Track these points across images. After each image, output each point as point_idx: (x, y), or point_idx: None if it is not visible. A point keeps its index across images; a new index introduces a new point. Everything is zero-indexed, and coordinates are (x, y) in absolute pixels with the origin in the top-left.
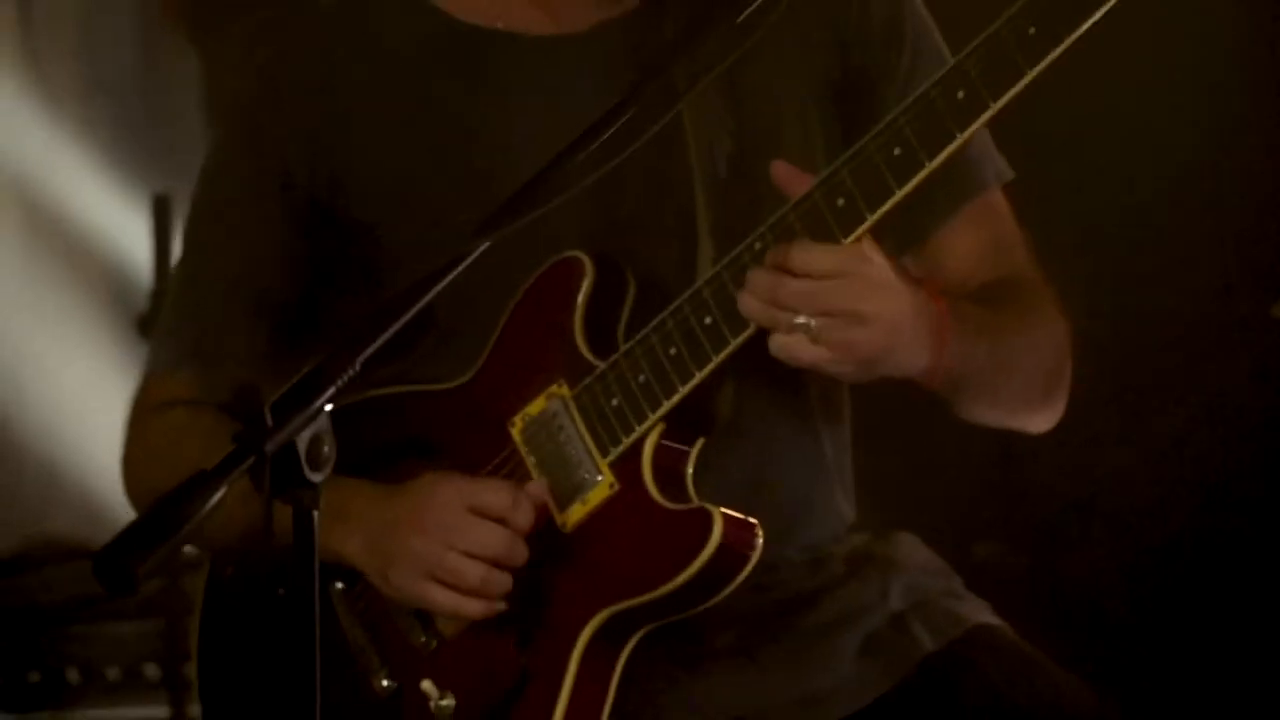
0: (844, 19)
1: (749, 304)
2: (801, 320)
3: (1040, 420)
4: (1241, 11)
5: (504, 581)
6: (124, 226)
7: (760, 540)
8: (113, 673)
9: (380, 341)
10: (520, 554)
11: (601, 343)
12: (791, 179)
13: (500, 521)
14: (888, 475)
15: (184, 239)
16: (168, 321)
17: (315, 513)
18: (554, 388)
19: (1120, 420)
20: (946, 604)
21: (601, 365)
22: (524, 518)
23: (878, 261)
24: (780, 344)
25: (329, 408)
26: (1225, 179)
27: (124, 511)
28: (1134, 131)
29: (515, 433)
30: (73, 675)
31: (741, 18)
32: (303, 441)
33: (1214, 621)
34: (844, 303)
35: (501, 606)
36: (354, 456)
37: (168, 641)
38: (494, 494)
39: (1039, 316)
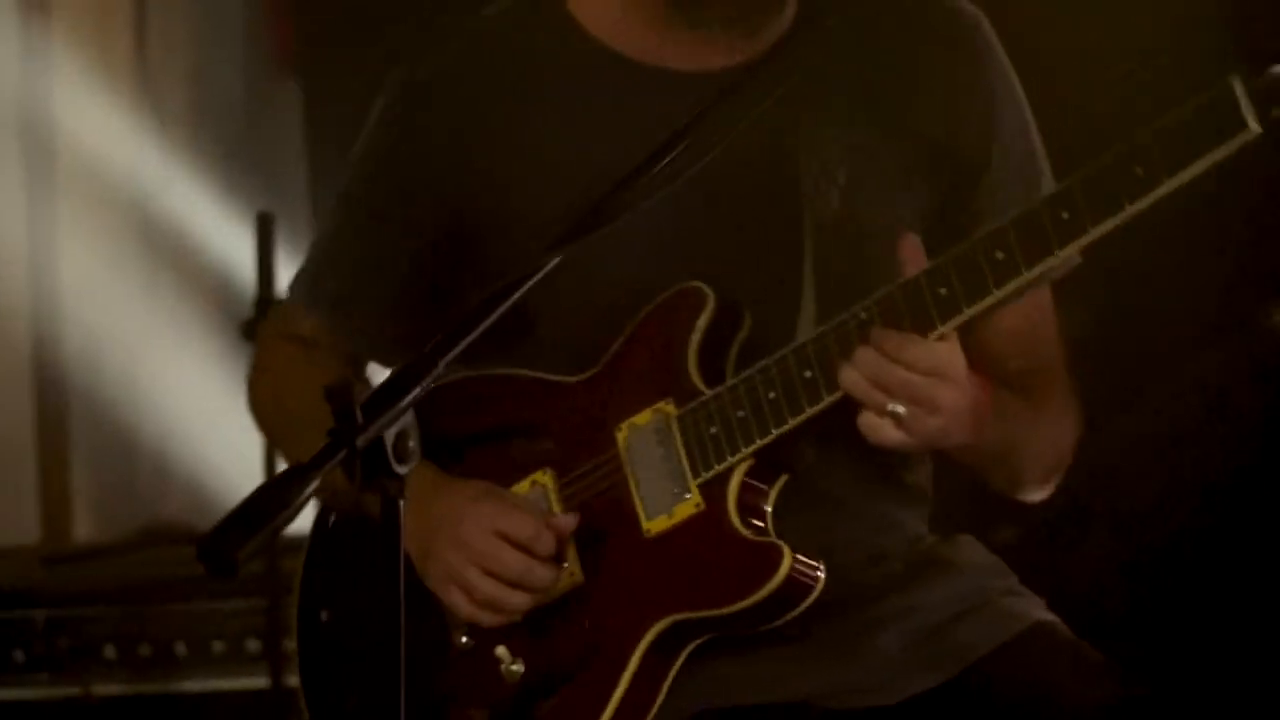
0: (958, 100)
1: (852, 379)
2: (892, 407)
3: (1032, 495)
4: None
5: (516, 600)
6: (230, 240)
7: (822, 580)
8: (218, 647)
9: (462, 346)
10: (539, 579)
11: (710, 372)
12: (915, 256)
13: (523, 548)
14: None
15: (342, 196)
16: (314, 263)
17: (401, 501)
18: (662, 404)
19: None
20: (1005, 603)
21: (707, 394)
22: (544, 548)
23: (960, 361)
24: (870, 424)
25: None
26: (1225, 181)
27: (228, 499)
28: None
29: (620, 438)
30: (180, 649)
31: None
32: (390, 437)
33: (1210, 616)
34: (932, 397)
35: (516, 618)
36: (465, 424)
37: (269, 619)
38: (520, 523)
39: (1058, 413)
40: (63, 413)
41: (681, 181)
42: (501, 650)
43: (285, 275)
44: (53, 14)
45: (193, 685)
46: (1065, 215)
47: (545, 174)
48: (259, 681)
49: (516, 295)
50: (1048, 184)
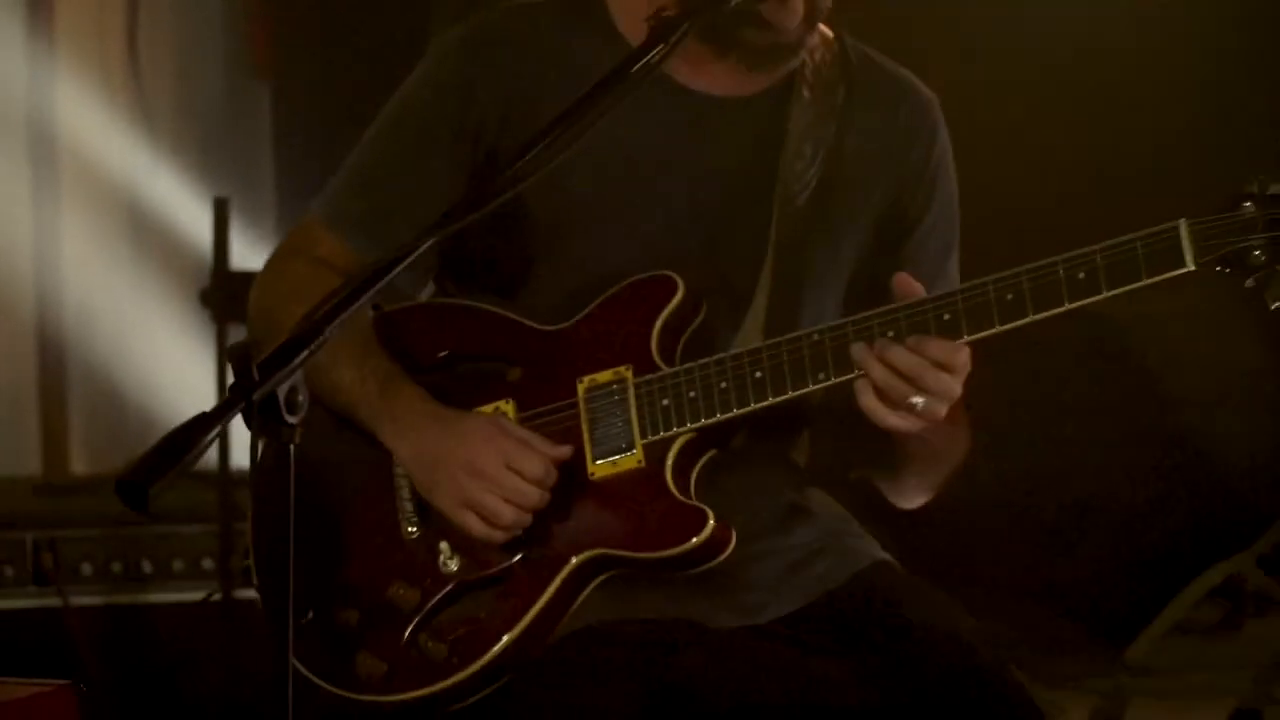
0: (908, 164)
1: (875, 368)
2: (914, 399)
3: (913, 504)
4: None
5: (527, 521)
6: (201, 222)
7: (732, 545)
8: (178, 565)
9: (346, 315)
10: (544, 504)
11: (664, 350)
12: (907, 288)
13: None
14: None
15: (379, 127)
16: (344, 185)
17: (292, 445)
18: (622, 369)
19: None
20: (851, 543)
21: (666, 370)
22: (551, 480)
23: (967, 365)
24: (878, 411)
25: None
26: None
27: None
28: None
29: (581, 389)
30: (146, 566)
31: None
32: (282, 392)
33: None
34: (951, 391)
35: (518, 533)
36: (443, 348)
37: (221, 541)
38: (531, 460)
39: (961, 437)
40: (62, 367)
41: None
42: (444, 545)
43: (240, 254)
44: (55, 25)
45: (156, 597)
46: (1009, 297)
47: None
48: (211, 593)
49: (391, 274)
50: (955, 258)
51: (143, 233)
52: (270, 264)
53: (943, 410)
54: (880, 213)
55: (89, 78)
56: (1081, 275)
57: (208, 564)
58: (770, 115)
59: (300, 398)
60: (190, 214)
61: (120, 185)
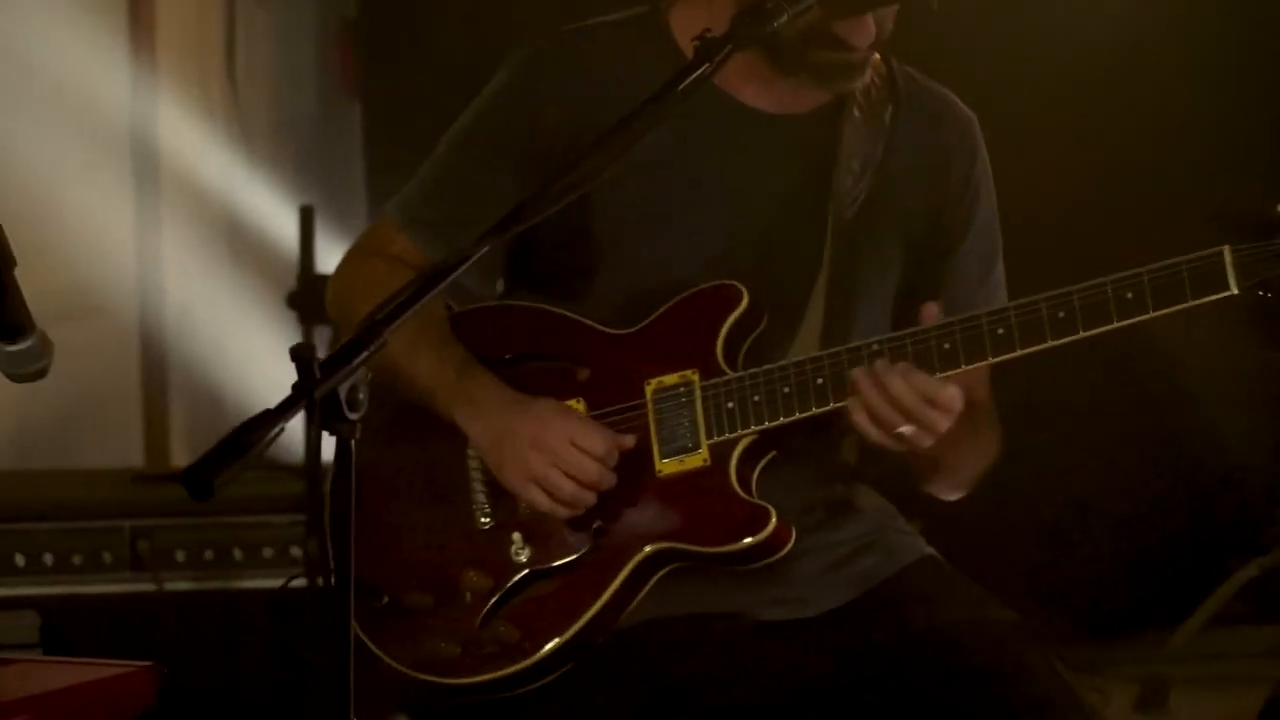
0: (950, 181)
1: (875, 400)
2: (901, 430)
3: (950, 497)
4: None
5: (589, 499)
6: (288, 231)
7: (791, 542)
8: (267, 552)
9: (402, 320)
10: (607, 482)
11: (728, 356)
12: (929, 316)
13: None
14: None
15: (455, 138)
16: (419, 188)
17: (353, 440)
18: (689, 373)
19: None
20: (896, 539)
21: (731, 375)
22: (613, 460)
23: (961, 402)
24: (871, 433)
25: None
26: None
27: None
28: None
29: (649, 391)
30: (237, 554)
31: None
32: (343, 390)
33: None
34: (935, 426)
35: (579, 510)
36: (517, 347)
37: (308, 530)
38: (595, 438)
39: (986, 436)
40: (163, 366)
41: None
42: (516, 536)
43: (327, 259)
44: (157, 50)
45: (245, 583)
46: (1061, 315)
47: (630, 166)
48: (298, 581)
49: (449, 279)
50: (999, 269)
51: (237, 241)
52: (347, 260)
53: (927, 442)
54: (923, 227)
55: (189, 97)
56: (1129, 295)
57: (295, 551)
58: (823, 133)
59: (360, 395)
60: (281, 223)
61: (217, 197)
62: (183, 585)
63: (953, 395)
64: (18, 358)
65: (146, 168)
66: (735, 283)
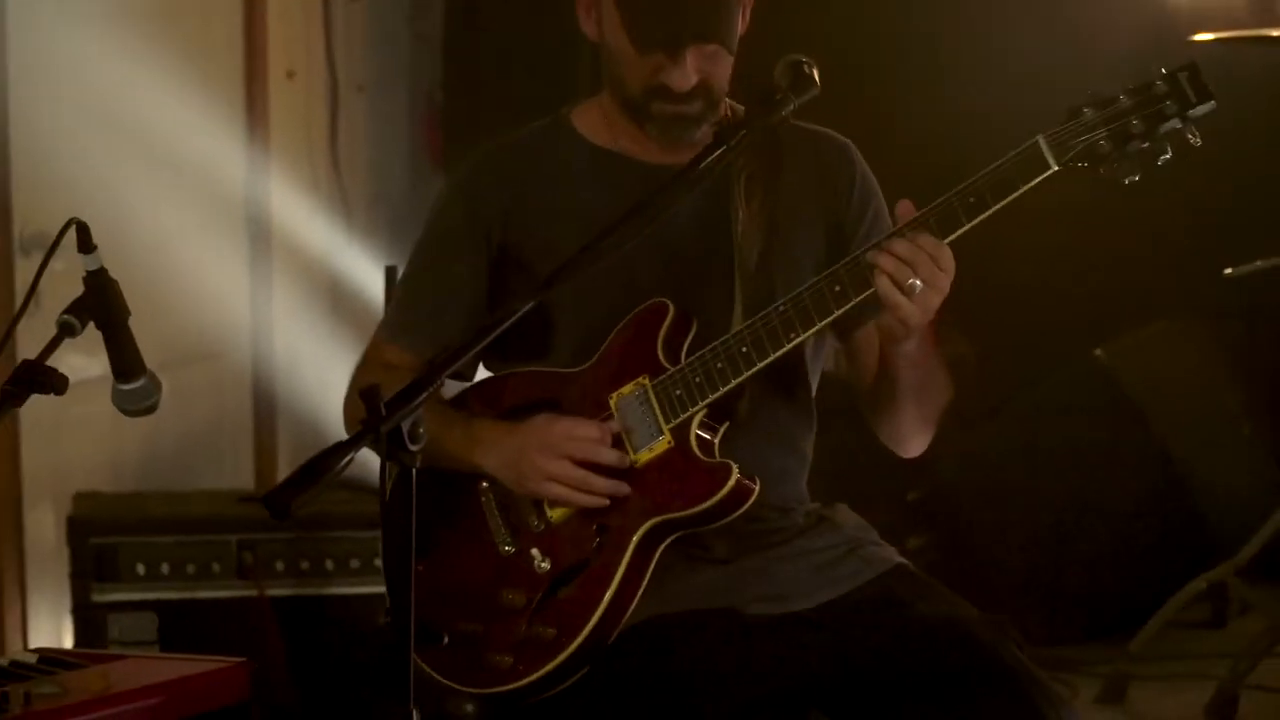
0: (839, 195)
1: (888, 261)
2: (912, 281)
3: (913, 446)
4: None
5: (597, 481)
6: (382, 287)
7: (756, 490)
8: (354, 563)
9: (457, 365)
10: (607, 457)
11: (671, 355)
12: (905, 211)
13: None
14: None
15: (413, 256)
16: (395, 308)
17: (414, 469)
18: (641, 379)
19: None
20: (873, 550)
21: (672, 369)
22: (607, 440)
23: (954, 264)
24: (891, 298)
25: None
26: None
27: (370, 459)
28: None
29: (613, 403)
30: (329, 564)
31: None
32: (405, 425)
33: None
34: (939, 280)
35: (598, 501)
36: (506, 405)
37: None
38: (586, 424)
39: (943, 374)
40: (272, 403)
41: (628, 247)
42: (535, 552)
43: None
44: (270, 130)
45: (336, 590)
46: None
47: (556, 229)
48: (382, 588)
49: (499, 330)
50: None
51: (336, 296)
52: (354, 376)
53: (932, 300)
54: (826, 230)
55: (296, 171)
56: (973, 200)
57: (379, 563)
58: (715, 178)
59: (420, 430)
60: (374, 280)
61: (319, 258)
62: (282, 591)
63: (949, 254)
64: (130, 395)
65: (259, 232)
66: (661, 299)
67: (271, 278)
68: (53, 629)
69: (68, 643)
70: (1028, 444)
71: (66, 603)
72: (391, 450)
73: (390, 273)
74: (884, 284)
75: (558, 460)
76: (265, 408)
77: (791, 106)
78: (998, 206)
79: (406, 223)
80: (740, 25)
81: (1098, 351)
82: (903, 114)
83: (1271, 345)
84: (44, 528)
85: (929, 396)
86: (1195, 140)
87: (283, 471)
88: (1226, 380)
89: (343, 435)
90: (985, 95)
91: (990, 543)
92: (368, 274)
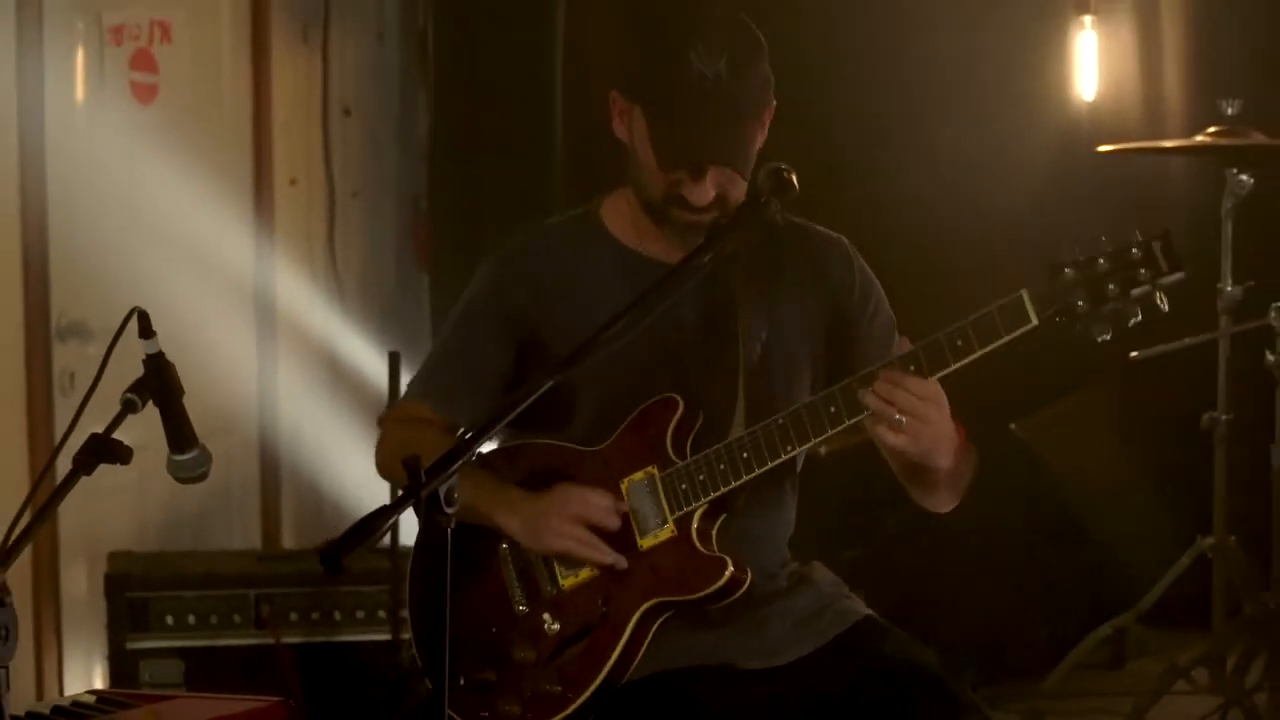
0: (841, 288)
1: (873, 401)
2: (898, 416)
3: (948, 507)
4: None
5: (603, 545)
6: (377, 368)
7: (748, 583)
8: (359, 614)
9: (487, 435)
10: (613, 525)
11: (678, 449)
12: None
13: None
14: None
15: (449, 325)
16: (428, 367)
17: (449, 529)
18: (650, 468)
19: None
20: (844, 604)
21: (679, 464)
22: (616, 518)
23: (943, 396)
24: (881, 432)
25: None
26: None
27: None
28: None
29: (624, 487)
30: (337, 615)
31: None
32: (442, 491)
33: None
34: (924, 412)
35: (607, 562)
36: (528, 470)
37: (391, 597)
38: (601, 495)
39: (966, 456)
40: (276, 470)
41: (635, 334)
42: (546, 615)
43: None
44: (275, 231)
45: (344, 637)
46: (916, 364)
47: (580, 319)
48: (384, 636)
49: (523, 406)
50: (894, 329)
51: (335, 376)
52: (385, 429)
53: (922, 430)
54: (827, 324)
55: (299, 263)
56: (960, 343)
57: (381, 614)
58: (723, 278)
59: (455, 495)
60: (371, 362)
61: (320, 342)
62: (295, 638)
63: (934, 386)
64: (185, 465)
65: (266, 319)
66: (673, 395)
67: (277, 360)
68: (84, 673)
69: (98, 685)
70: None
71: (98, 650)
72: (430, 512)
73: (394, 357)
74: (875, 427)
75: (572, 523)
76: (270, 476)
77: (775, 209)
78: (983, 352)
79: (396, 312)
80: (759, 142)
81: (1013, 426)
82: (853, 198)
83: (1165, 420)
84: (78, 583)
85: (961, 481)
86: (1164, 306)
87: (286, 532)
88: (1126, 450)
89: (356, 499)
90: (926, 180)
91: (920, 597)
92: (362, 356)
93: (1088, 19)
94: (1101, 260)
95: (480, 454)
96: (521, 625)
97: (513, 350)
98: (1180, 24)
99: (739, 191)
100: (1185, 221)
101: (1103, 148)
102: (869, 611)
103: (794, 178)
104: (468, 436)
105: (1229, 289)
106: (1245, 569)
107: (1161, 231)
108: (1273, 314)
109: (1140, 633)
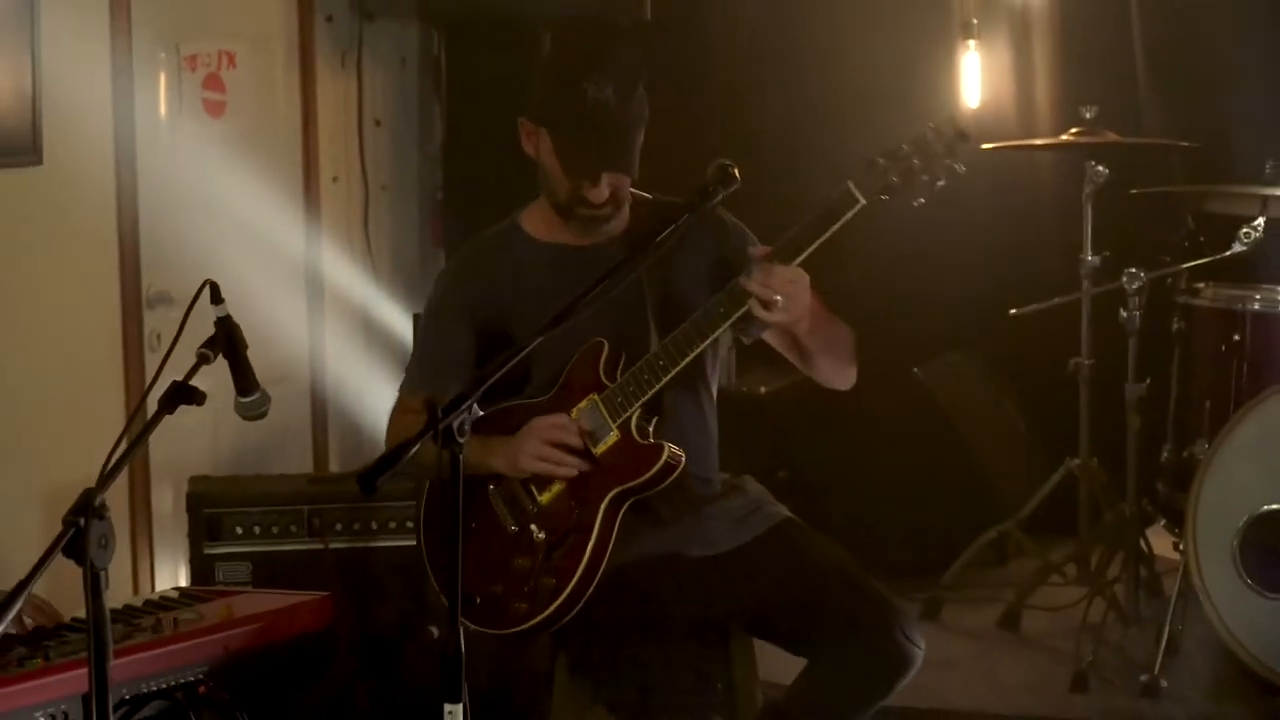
0: (722, 238)
1: (755, 286)
2: (775, 297)
3: (844, 381)
4: None
5: (567, 456)
6: (405, 329)
7: (683, 461)
8: (392, 524)
9: (480, 391)
10: (573, 439)
11: (610, 377)
12: (758, 254)
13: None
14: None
15: (421, 329)
16: (412, 367)
17: (460, 456)
18: (592, 395)
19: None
20: (770, 508)
21: (611, 385)
22: (573, 428)
23: (805, 277)
24: (761, 311)
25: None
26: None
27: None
28: None
29: (574, 415)
30: (373, 525)
31: (661, 239)
32: (455, 424)
33: None
34: (791, 290)
35: (572, 472)
36: (506, 427)
37: (417, 511)
38: (557, 417)
39: (841, 325)
40: (324, 413)
41: (591, 307)
42: (533, 527)
43: None
44: (322, 218)
45: (380, 543)
46: (781, 255)
47: (521, 302)
48: (410, 542)
49: (505, 368)
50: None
51: (371, 333)
52: (392, 419)
53: (796, 305)
54: (712, 266)
55: (340, 243)
56: (810, 233)
57: (409, 525)
58: (619, 249)
59: (466, 428)
60: (398, 322)
61: (358, 306)
62: (340, 545)
63: (797, 270)
64: (249, 405)
65: (314, 288)
66: (598, 339)
67: (323, 321)
68: (171, 574)
69: (182, 584)
70: (866, 441)
71: (182, 555)
72: (446, 441)
73: (416, 319)
74: (755, 306)
75: (539, 444)
76: (320, 414)
77: (720, 197)
78: (826, 235)
79: (418, 282)
80: (639, 147)
81: (915, 370)
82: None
83: (1039, 365)
84: (165, 501)
85: (837, 344)
86: (960, 168)
87: (334, 461)
88: (1008, 389)
89: (379, 437)
90: (835, 174)
91: (840, 509)
92: (392, 318)
93: (972, 42)
94: (904, 146)
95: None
96: (515, 541)
97: (474, 337)
98: (1047, 44)
99: (626, 187)
100: (1053, 204)
101: (985, 145)
102: (790, 514)
103: (736, 172)
104: (475, 378)
105: (1089, 259)
106: (1105, 484)
107: (948, 115)
108: (1124, 279)
109: (1019, 537)
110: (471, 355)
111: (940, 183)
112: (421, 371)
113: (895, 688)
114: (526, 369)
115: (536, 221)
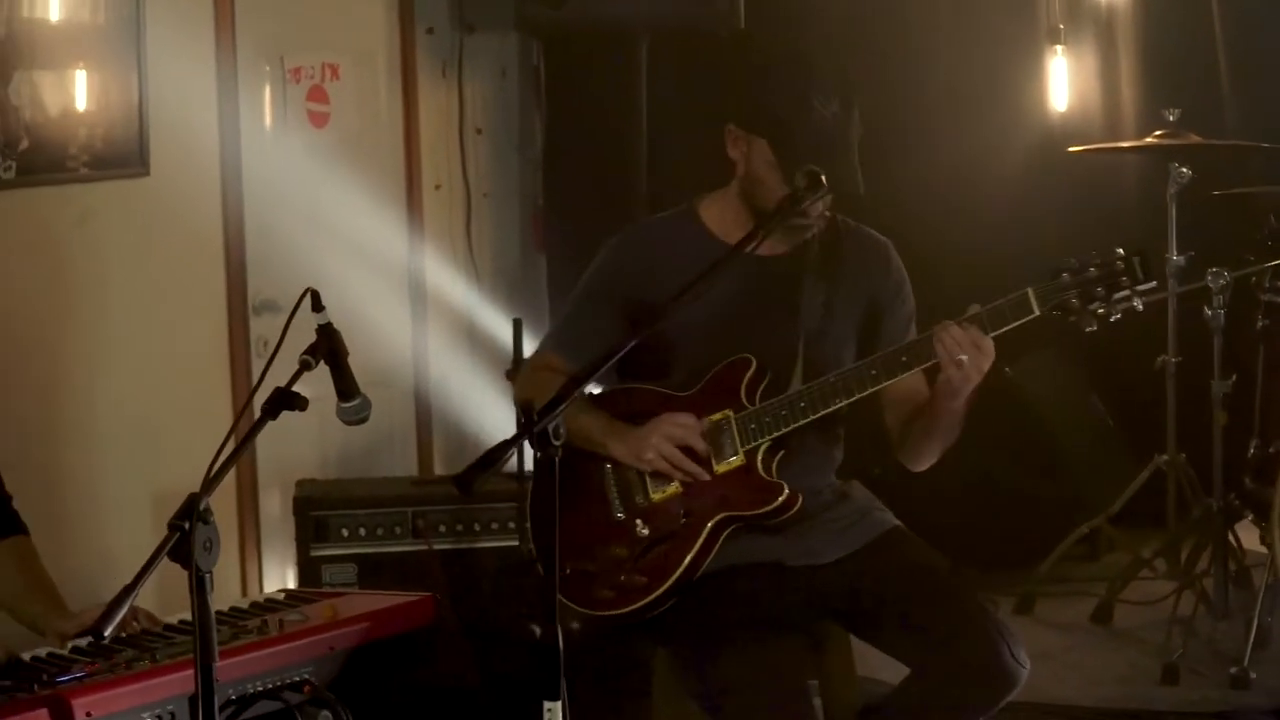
0: (881, 280)
1: (945, 341)
2: (960, 356)
3: (927, 465)
4: None
5: (687, 460)
6: (505, 332)
7: (799, 505)
8: (494, 525)
9: (586, 383)
10: (698, 444)
11: (750, 397)
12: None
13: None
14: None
15: (577, 291)
16: (559, 325)
17: (556, 459)
18: (727, 411)
19: None
20: (877, 515)
21: (750, 409)
22: (700, 438)
23: (993, 352)
24: (947, 365)
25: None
26: None
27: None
28: None
29: (706, 424)
30: (476, 526)
31: (745, 237)
32: (550, 428)
33: None
34: (980, 361)
35: (688, 479)
36: (634, 409)
37: (519, 512)
38: (688, 417)
39: (960, 423)
40: (429, 416)
41: (700, 301)
42: (638, 520)
43: (528, 351)
44: (425, 225)
45: (482, 544)
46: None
47: (675, 289)
48: (511, 543)
49: (611, 361)
50: (913, 322)
51: (473, 338)
52: (524, 372)
53: (974, 375)
54: (865, 307)
55: (444, 250)
56: (995, 319)
57: (510, 525)
58: (793, 266)
59: (561, 430)
60: (500, 328)
61: (461, 312)
62: (443, 546)
63: (990, 343)
64: (349, 410)
65: (417, 294)
66: (748, 355)
67: (427, 326)
68: (279, 576)
69: (290, 586)
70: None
71: (289, 557)
72: (541, 445)
73: (518, 324)
74: (940, 350)
75: (665, 442)
76: (424, 418)
77: (809, 201)
78: (992, 335)
79: (519, 288)
80: None
81: (1007, 370)
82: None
83: (1127, 363)
84: (273, 504)
85: (950, 437)
86: (1139, 307)
87: (438, 464)
88: (1096, 388)
89: (489, 436)
90: (922, 185)
91: (933, 505)
92: (493, 323)
93: (1059, 47)
94: (1092, 269)
95: (595, 395)
96: (617, 529)
97: (622, 317)
98: (1132, 50)
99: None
100: (1137, 205)
101: (1072, 149)
102: (897, 522)
103: (824, 178)
104: (570, 381)
105: (1174, 258)
106: (1192, 479)
107: (1140, 248)
108: (1209, 277)
109: (1110, 532)
110: (618, 332)
111: (1115, 317)
112: (563, 334)
113: (999, 705)
114: (670, 356)
115: (716, 216)
